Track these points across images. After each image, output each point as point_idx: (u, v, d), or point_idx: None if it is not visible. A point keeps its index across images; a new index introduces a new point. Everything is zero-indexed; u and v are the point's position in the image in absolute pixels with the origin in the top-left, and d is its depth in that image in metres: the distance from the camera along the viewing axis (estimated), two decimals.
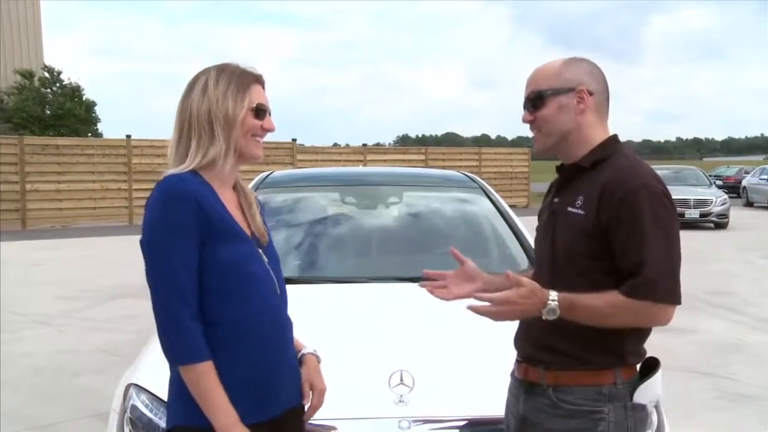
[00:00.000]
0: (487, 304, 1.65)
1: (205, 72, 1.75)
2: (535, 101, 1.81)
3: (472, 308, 1.65)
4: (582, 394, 1.72)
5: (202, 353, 1.60)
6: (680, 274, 1.68)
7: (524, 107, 1.85)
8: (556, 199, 1.84)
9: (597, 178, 1.72)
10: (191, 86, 1.73)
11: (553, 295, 1.64)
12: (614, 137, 1.82)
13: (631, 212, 1.64)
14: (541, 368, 1.78)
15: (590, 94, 1.78)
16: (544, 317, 1.64)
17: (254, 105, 1.73)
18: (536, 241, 1.94)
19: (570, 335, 1.71)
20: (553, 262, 1.78)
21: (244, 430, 1.62)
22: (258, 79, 1.77)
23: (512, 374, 1.95)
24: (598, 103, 1.80)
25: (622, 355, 1.73)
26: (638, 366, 1.79)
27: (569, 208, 1.76)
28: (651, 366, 1.78)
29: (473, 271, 1.92)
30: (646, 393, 1.75)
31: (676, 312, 1.70)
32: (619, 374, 1.72)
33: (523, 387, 1.85)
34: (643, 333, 1.77)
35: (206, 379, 1.60)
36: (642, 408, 1.75)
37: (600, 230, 1.68)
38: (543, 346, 1.78)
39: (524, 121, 1.85)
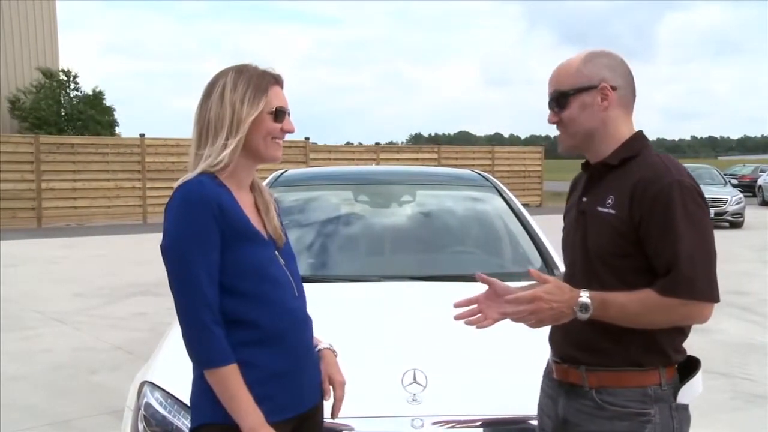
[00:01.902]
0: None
1: (224, 75, 1.74)
2: (558, 101, 1.78)
3: (510, 318, 1.66)
4: (627, 395, 1.69)
5: (228, 356, 1.62)
6: (715, 266, 1.64)
7: (549, 107, 1.82)
8: (584, 199, 1.80)
9: (627, 176, 1.70)
10: (209, 90, 1.73)
11: (585, 292, 1.63)
12: (640, 133, 1.79)
13: (664, 209, 1.61)
14: (582, 369, 1.74)
15: (613, 89, 1.74)
16: (577, 316, 1.62)
17: (273, 108, 1.73)
18: (565, 241, 1.90)
19: (613, 334, 1.68)
20: (587, 263, 1.75)
21: (270, 430, 1.63)
22: (277, 80, 1.77)
23: (547, 375, 1.91)
24: (623, 97, 1.77)
25: (668, 353, 1.71)
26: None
27: (599, 208, 1.73)
28: (690, 365, 1.76)
29: (504, 290, 1.81)
30: (689, 393, 1.72)
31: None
32: (663, 374, 1.70)
33: (562, 388, 1.81)
34: (685, 330, 1.74)
35: (232, 382, 1.62)
36: (685, 408, 1.73)
37: (632, 228, 1.65)
38: (584, 346, 1.74)
39: (550, 122, 1.82)
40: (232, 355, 1.62)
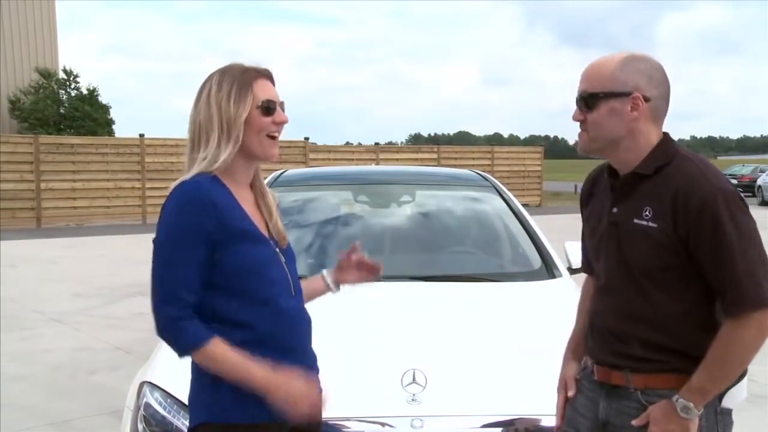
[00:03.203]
0: None
1: (210, 77, 1.74)
2: (587, 101, 1.70)
3: None
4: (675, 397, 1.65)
5: (203, 333, 1.62)
6: None
7: (576, 103, 1.74)
8: (615, 209, 1.73)
9: (663, 186, 1.64)
10: (199, 93, 1.74)
11: (676, 397, 1.61)
12: (668, 136, 1.72)
13: (713, 225, 1.57)
14: (626, 371, 1.71)
15: (646, 100, 1.66)
16: (690, 416, 1.60)
17: (260, 102, 1.72)
18: (596, 251, 1.82)
19: (653, 346, 1.67)
20: (626, 276, 1.70)
21: (282, 375, 1.63)
22: (262, 74, 1.75)
23: (585, 377, 1.86)
24: (655, 109, 1.69)
25: None
26: None
27: (636, 220, 1.67)
28: None
29: None
30: (735, 397, 1.71)
31: None
32: None
33: (603, 390, 1.77)
34: None
35: (219, 353, 1.62)
36: (729, 413, 1.72)
37: (677, 241, 1.61)
38: (624, 355, 1.72)
39: (574, 119, 1.75)
40: (208, 330, 1.62)
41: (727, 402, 1.70)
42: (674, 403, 1.61)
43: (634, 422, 1.67)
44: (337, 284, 2.04)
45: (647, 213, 1.65)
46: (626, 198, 1.72)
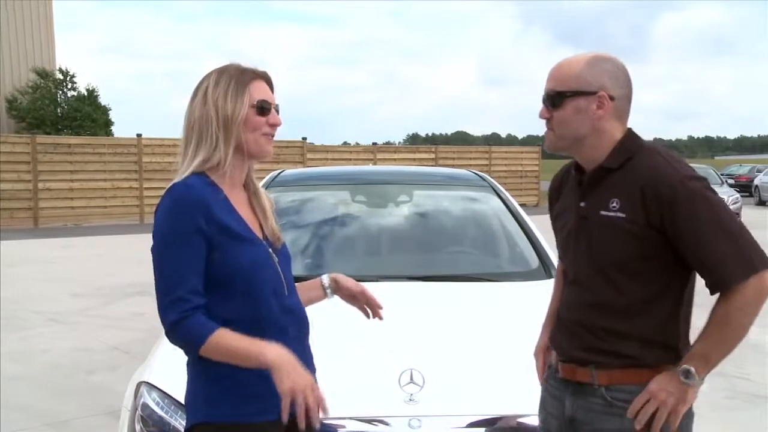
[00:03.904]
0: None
1: (207, 76, 1.75)
2: (553, 100, 1.75)
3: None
4: (637, 392, 1.69)
5: (208, 326, 1.61)
6: (751, 239, 1.64)
7: (543, 102, 1.78)
8: (582, 204, 1.77)
9: (630, 178, 1.68)
10: (195, 93, 1.74)
11: (682, 366, 1.64)
12: (632, 131, 1.77)
13: (687, 208, 1.61)
14: (591, 368, 1.74)
15: (611, 99, 1.71)
16: (689, 383, 1.64)
17: (255, 102, 1.72)
18: (564, 248, 1.86)
19: (623, 337, 1.70)
20: (597, 271, 1.73)
21: (290, 355, 1.61)
22: (260, 76, 1.76)
23: (551, 375, 1.90)
24: (619, 108, 1.74)
25: (678, 350, 1.72)
26: None
27: (603, 212, 1.71)
28: None
29: None
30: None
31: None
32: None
33: (569, 387, 1.80)
34: (688, 327, 1.76)
35: (227, 340, 1.61)
36: (689, 406, 1.74)
37: (651, 231, 1.65)
38: (590, 348, 1.74)
39: (541, 116, 1.79)
40: (212, 323, 1.62)
41: None
42: (677, 368, 1.65)
43: (630, 409, 1.68)
44: (333, 292, 2.03)
45: (614, 204, 1.69)
46: (593, 192, 1.75)
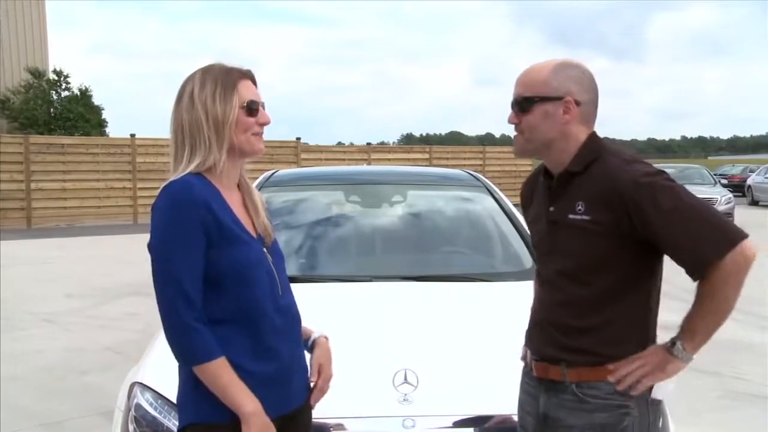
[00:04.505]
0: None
1: (191, 77, 1.73)
2: (521, 105, 1.79)
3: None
4: (607, 389, 1.74)
5: (213, 351, 1.61)
6: (718, 216, 1.68)
7: (512, 107, 1.84)
8: (551, 208, 1.82)
9: (593, 180, 1.73)
10: (180, 95, 1.73)
11: (670, 339, 1.70)
12: (594, 134, 1.81)
13: (653, 200, 1.64)
14: (563, 366, 1.78)
15: (577, 104, 1.76)
16: (677, 354, 1.69)
17: (245, 103, 1.72)
18: (538, 250, 1.92)
19: (592, 334, 1.75)
20: (569, 272, 1.77)
21: (267, 418, 1.64)
22: (246, 75, 1.76)
23: (526, 374, 1.94)
24: (585, 113, 1.78)
25: (647, 346, 1.76)
26: None
27: (571, 216, 1.75)
28: None
29: None
30: (663, 388, 1.77)
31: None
32: None
33: (542, 385, 1.85)
34: (654, 324, 1.80)
35: (223, 374, 1.62)
36: (659, 403, 1.80)
37: (618, 230, 1.68)
38: (562, 346, 1.79)
39: (510, 121, 1.84)
40: (218, 348, 1.62)
41: (656, 393, 1.77)
42: (666, 342, 1.70)
43: (616, 372, 1.73)
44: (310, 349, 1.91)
45: (580, 207, 1.74)
46: (561, 196, 1.80)
